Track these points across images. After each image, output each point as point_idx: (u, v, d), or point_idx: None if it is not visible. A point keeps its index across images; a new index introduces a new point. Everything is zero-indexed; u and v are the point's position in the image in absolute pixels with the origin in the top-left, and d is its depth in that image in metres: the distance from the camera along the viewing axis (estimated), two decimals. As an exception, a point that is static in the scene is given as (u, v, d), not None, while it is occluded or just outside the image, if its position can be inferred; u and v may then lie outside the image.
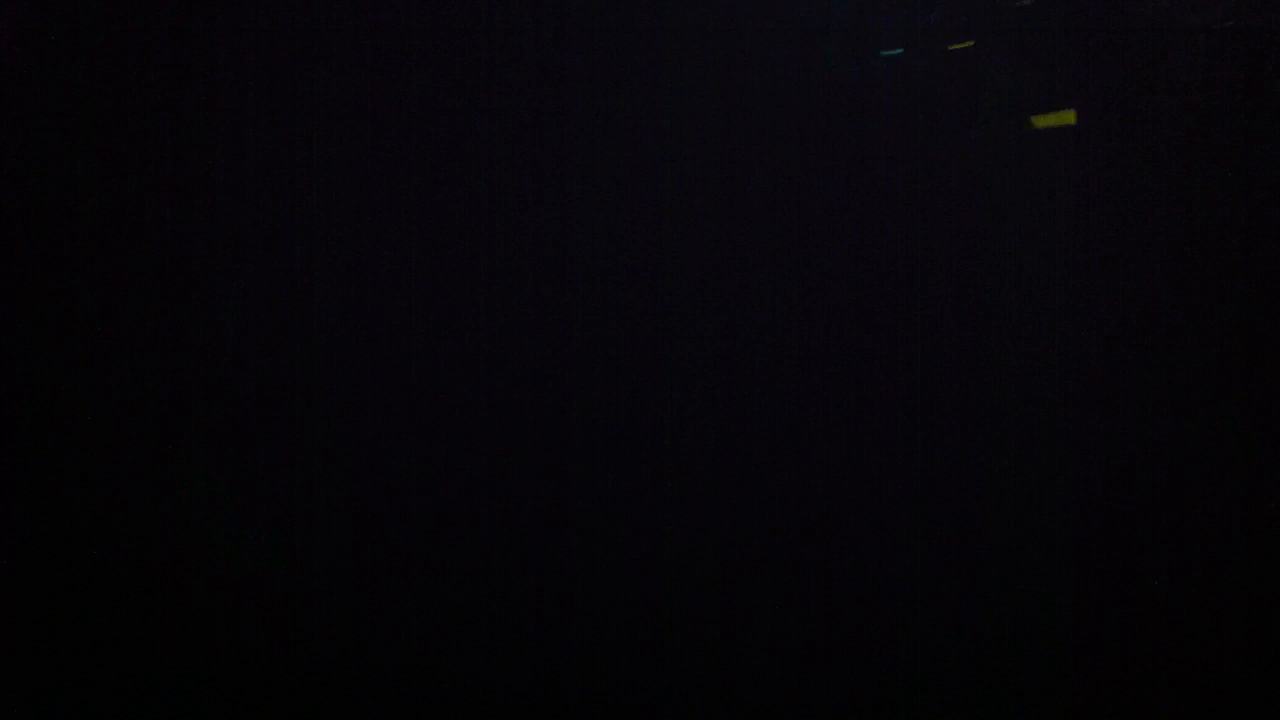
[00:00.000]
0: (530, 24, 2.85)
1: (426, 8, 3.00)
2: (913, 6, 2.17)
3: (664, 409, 2.79)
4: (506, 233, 3.27)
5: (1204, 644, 1.93)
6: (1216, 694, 1.83)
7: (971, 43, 2.02)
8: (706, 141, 3.72)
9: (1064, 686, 1.88)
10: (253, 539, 2.16)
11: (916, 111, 3.57)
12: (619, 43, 2.88)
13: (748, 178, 3.48)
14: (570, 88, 3.30)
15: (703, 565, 2.24)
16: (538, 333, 2.93)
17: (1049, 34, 3.43)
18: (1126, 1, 3.34)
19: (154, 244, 2.66)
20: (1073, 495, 2.45)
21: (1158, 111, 3.31)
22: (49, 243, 2.56)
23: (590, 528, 2.37)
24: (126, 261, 2.68)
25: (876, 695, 1.88)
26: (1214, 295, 2.86)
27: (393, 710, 1.89)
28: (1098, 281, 2.98)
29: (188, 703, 1.87)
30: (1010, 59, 2.39)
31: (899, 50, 1.95)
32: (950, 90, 3.57)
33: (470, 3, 2.97)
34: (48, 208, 2.59)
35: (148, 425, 2.50)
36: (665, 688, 1.91)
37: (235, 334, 2.40)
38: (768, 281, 3.03)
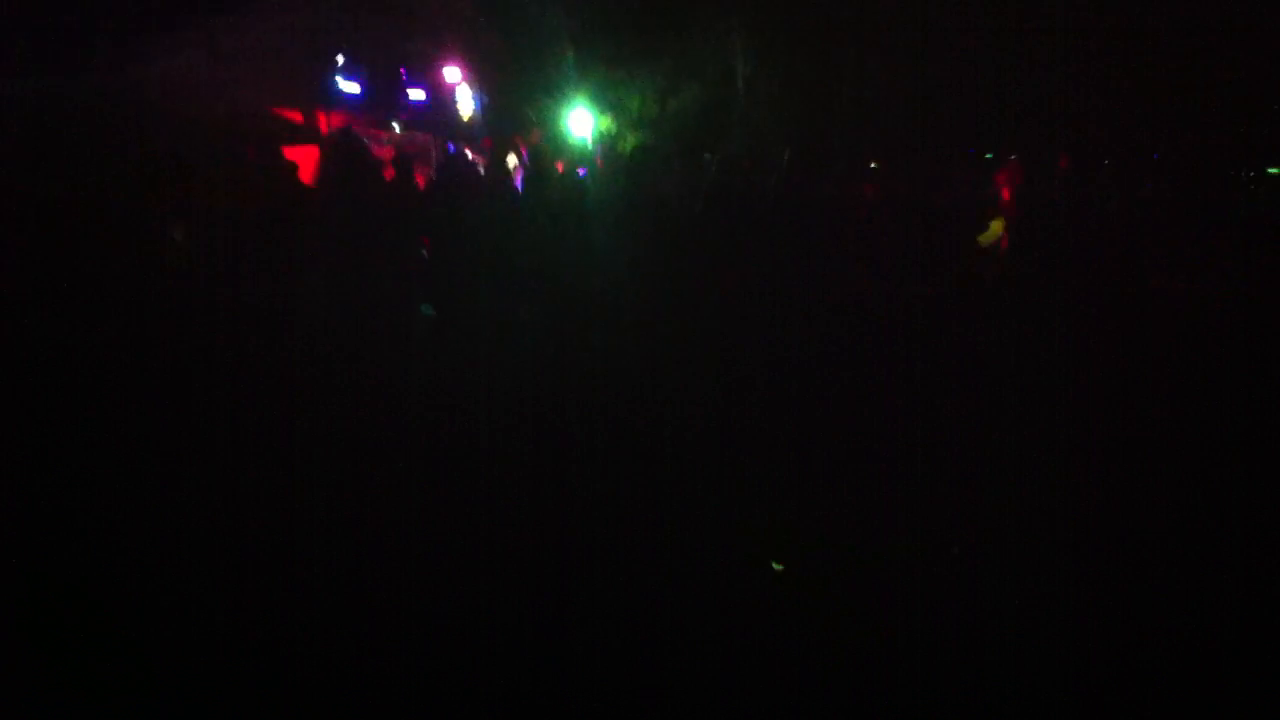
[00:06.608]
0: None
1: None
2: None
3: (662, 408, 2.78)
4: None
5: (1204, 643, 1.93)
6: (1217, 694, 1.83)
7: None
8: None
9: (1064, 686, 1.88)
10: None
11: (916, 110, 3.57)
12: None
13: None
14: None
15: (701, 565, 2.24)
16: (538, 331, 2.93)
17: (1049, 33, 3.43)
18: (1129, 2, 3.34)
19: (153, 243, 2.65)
20: (1072, 495, 2.45)
21: (1157, 108, 3.30)
22: (48, 242, 2.56)
23: (590, 527, 2.36)
24: (126, 261, 2.68)
25: (877, 695, 1.88)
26: (1214, 295, 2.85)
27: (393, 710, 1.89)
28: (1098, 281, 2.98)
29: (188, 703, 1.87)
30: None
31: None
32: (950, 89, 3.57)
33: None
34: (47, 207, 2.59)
35: (147, 425, 2.49)
36: (665, 687, 1.91)
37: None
38: (767, 281, 3.03)
